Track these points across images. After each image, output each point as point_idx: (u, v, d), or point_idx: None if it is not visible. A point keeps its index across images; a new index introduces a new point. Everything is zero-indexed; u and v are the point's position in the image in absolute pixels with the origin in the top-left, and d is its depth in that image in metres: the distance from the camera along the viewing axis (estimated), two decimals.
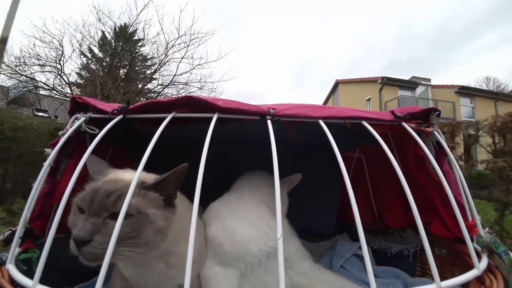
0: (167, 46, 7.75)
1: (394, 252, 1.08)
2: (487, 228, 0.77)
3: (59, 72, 7.19)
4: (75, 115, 0.78)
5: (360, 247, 1.13)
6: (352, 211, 1.42)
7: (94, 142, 0.66)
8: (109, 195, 0.55)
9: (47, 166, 0.72)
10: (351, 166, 1.35)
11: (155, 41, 7.88)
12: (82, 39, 7.60)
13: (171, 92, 8.87)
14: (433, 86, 14.03)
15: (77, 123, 0.75)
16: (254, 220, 0.82)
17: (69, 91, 7.49)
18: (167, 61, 8.08)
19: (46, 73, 7.18)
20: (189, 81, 8.28)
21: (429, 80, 14.31)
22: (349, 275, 1.02)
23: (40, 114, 9.19)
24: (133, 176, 0.58)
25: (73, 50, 7.53)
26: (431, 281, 0.54)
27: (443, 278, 0.54)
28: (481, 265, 0.64)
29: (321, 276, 0.88)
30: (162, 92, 8.84)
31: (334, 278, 0.88)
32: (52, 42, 6.97)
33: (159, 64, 8.19)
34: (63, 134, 0.74)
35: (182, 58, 7.83)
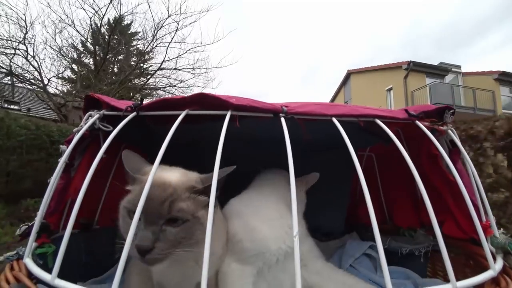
0: (155, 27, 6.48)
1: (404, 252, 1.07)
2: (502, 229, 0.76)
3: (26, 55, 5.77)
4: (89, 112, 0.79)
5: (370, 247, 1.14)
6: (361, 210, 1.41)
7: (109, 139, 0.67)
8: (162, 202, 0.56)
9: (63, 162, 0.73)
10: (361, 164, 1.34)
11: (143, 22, 6.80)
12: (60, 21, 6.12)
13: (162, 82, 7.63)
14: (465, 74, 12.14)
15: (91, 120, 0.76)
16: (274, 218, 0.82)
17: (37, 75, 6.02)
18: (156, 45, 6.79)
19: (9, 56, 5.65)
20: (180, 67, 6.99)
21: (459, 67, 12.40)
22: (359, 275, 1.02)
23: (11, 106, 7.98)
24: (177, 177, 0.62)
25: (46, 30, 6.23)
26: (442, 282, 0.53)
27: (455, 280, 0.54)
28: (497, 266, 0.63)
29: (333, 275, 0.88)
30: (148, 83, 7.67)
31: (347, 278, 0.87)
32: (7, 15, 5.40)
33: (146, 48, 6.96)
34: (78, 131, 0.76)
35: (172, 39, 6.53)
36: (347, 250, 1.15)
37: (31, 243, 0.66)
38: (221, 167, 0.57)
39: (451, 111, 0.80)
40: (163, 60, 6.96)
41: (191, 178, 0.64)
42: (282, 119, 0.66)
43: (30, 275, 0.61)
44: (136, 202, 0.56)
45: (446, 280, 0.54)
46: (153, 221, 0.55)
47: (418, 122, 0.75)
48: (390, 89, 12.24)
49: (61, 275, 0.54)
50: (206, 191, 0.61)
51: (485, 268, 0.63)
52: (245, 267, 0.76)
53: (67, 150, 0.73)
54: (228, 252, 0.79)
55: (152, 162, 0.59)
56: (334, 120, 0.67)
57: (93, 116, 0.76)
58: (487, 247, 0.63)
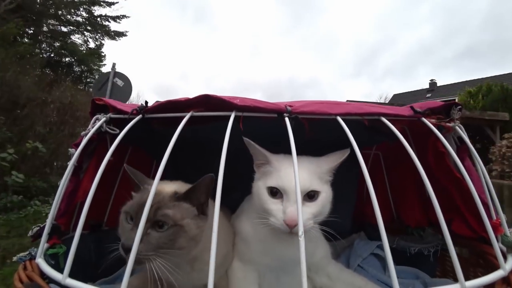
0: None
1: (413, 251, 1.05)
2: None
3: None
4: (96, 116, 0.81)
5: (378, 246, 1.12)
6: (368, 209, 1.39)
7: (115, 142, 0.68)
8: (150, 207, 0.59)
9: (72, 165, 0.74)
10: (368, 163, 1.33)
11: None
12: None
13: None
14: None
15: (98, 124, 0.77)
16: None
17: None
18: None
19: None
20: None
21: None
22: (367, 275, 1.01)
23: None
24: (172, 188, 0.68)
25: None
26: (452, 282, 0.52)
27: (465, 279, 0.53)
28: (507, 265, 0.62)
29: (342, 276, 0.87)
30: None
31: (355, 279, 0.86)
32: None
33: None
34: (85, 135, 0.77)
35: None
36: (355, 250, 1.14)
37: (43, 244, 0.68)
38: (225, 167, 0.57)
39: (459, 107, 0.79)
40: None
41: (181, 188, 0.69)
42: (286, 119, 0.66)
43: (43, 274, 0.63)
44: (133, 207, 0.64)
45: (456, 280, 0.53)
46: None
47: (424, 119, 0.74)
48: None
49: (72, 275, 0.55)
50: (188, 198, 0.67)
51: (496, 267, 0.62)
52: (247, 266, 0.79)
53: (76, 153, 0.74)
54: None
55: (157, 165, 0.60)
56: (339, 119, 0.67)
57: (100, 120, 0.78)
58: (497, 246, 0.62)
